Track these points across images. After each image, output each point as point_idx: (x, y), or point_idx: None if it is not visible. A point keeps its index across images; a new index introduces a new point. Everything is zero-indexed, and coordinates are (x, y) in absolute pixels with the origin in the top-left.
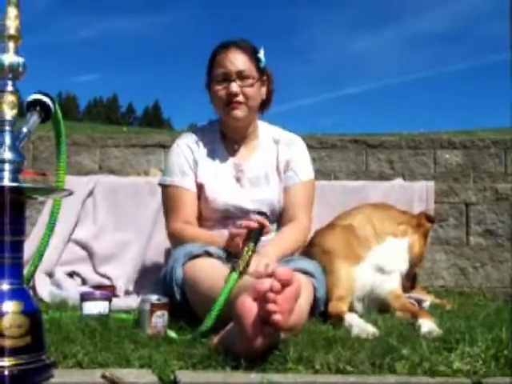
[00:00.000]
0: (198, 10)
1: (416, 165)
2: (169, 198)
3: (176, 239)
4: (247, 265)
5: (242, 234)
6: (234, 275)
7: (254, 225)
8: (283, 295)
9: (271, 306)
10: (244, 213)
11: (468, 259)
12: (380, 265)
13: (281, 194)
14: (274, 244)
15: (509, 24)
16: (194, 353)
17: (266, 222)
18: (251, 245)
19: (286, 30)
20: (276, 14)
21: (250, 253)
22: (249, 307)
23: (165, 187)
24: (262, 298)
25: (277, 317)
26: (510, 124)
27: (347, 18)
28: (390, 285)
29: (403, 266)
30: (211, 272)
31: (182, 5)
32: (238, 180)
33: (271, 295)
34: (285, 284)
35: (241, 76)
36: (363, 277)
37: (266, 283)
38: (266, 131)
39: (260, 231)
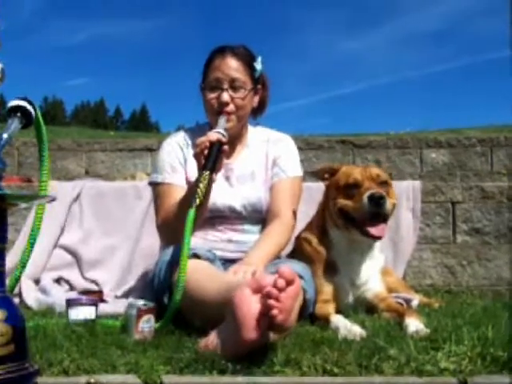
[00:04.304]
0: (186, 13)
1: (403, 164)
2: (160, 196)
3: (165, 228)
4: (204, 196)
5: (205, 148)
6: (192, 211)
7: (214, 137)
8: (286, 293)
9: (272, 302)
10: (233, 211)
11: (455, 257)
12: (352, 278)
13: (267, 192)
14: (259, 248)
15: (509, 23)
16: (180, 357)
17: (224, 139)
18: (206, 173)
19: (276, 32)
20: (266, 15)
21: (205, 182)
22: (247, 299)
23: (156, 185)
24: (263, 293)
25: (275, 311)
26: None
27: (338, 19)
28: (373, 288)
29: (375, 263)
30: (199, 275)
31: (170, 9)
32: (228, 179)
33: (274, 291)
34: (288, 283)
35: (233, 85)
36: (342, 288)
37: (270, 278)
38: (255, 132)
39: (219, 148)
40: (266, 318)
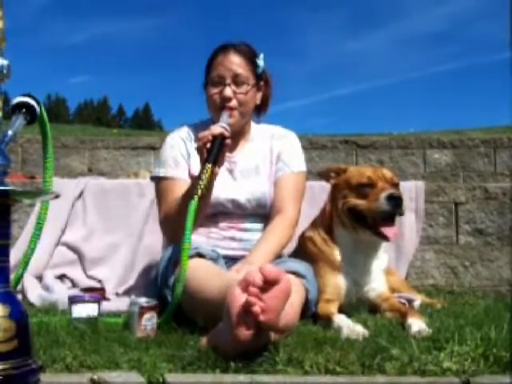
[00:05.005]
0: (189, 12)
1: (406, 164)
2: (162, 190)
3: (167, 223)
4: (206, 188)
5: (207, 142)
6: (193, 202)
7: (216, 131)
8: (270, 293)
9: (252, 299)
10: (237, 206)
11: (458, 258)
12: (356, 278)
13: (271, 187)
14: (262, 247)
15: (509, 23)
16: (183, 355)
17: (226, 133)
18: (208, 166)
19: (278, 32)
20: (268, 16)
21: (207, 175)
22: (236, 296)
23: (158, 180)
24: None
25: (255, 308)
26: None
27: (339, 19)
28: (376, 288)
29: (378, 263)
30: (202, 273)
31: (173, 8)
32: (231, 172)
33: (253, 289)
34: (272, 282)
35: (236, 81)
36: (345, 288)
37: (255, 276)
38: (259, 128)
39: (221, 141)
40: (251, 316)
